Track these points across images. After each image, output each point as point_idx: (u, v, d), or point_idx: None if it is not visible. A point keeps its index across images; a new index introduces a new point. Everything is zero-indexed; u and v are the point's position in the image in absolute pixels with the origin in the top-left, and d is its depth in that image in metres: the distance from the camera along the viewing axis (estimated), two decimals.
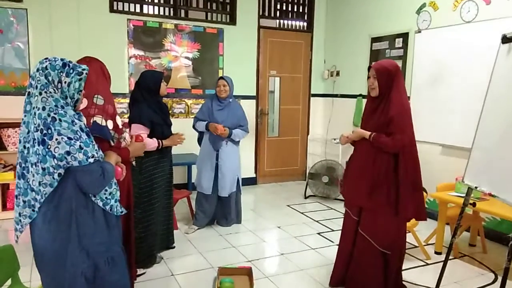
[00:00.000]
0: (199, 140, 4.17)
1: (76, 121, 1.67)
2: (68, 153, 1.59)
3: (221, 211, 4.17)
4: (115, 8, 4.92)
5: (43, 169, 1.60)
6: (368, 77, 2.66)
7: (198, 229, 4.05)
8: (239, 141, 4.13)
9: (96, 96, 2.13)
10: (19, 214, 1.71)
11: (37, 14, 4.51)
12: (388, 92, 2.59)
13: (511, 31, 2.48)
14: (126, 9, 5.01)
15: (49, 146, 1.59)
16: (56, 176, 1.60)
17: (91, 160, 1.66)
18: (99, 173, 1.69)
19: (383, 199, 2.60)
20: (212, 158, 3.99)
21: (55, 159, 1.59)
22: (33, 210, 1.68)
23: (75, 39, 4.66)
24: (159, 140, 3.13)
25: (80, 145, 1.63)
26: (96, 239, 1.76)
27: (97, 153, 1.70)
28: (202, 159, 4.08)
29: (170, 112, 5.25)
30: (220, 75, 5.51)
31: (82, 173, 1.65)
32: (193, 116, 5.41)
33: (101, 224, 1.78)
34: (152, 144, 3.04)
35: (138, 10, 5.10)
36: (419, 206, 2.64)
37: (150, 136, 3.06)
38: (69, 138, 1.61)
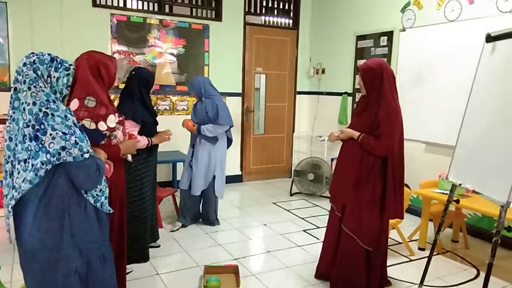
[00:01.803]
0: None
1: (69, 116, 1.64)
2: (63, 148, 1.56)
3: (204, 210, 4.14)
4: (98, 2, 4.81)
5: (33, 165, 1.56)
6: None
7: (183, 226, 4.02)
8: (216, 139, 3.94)
9: (87, 98, 2.10)
10: None
11: (17, 7, 4.38)
12: (377, 92, 2.59)
13: (495, 30, 2.52)
14: (109, 3, 4.91)
15: (43, 142, 1.55)
16: (41, 172, 1.56)
17: (86, 155, 1.63)
18: (94, 169, 1.67)
19: (368, 197, 2.62)
20: (189, 155, 4.04)
21: (48, 154, 1.55)
22: (8, 211, 1.63)
23: (57, 34, 4.55)
24: (149, 138, 3.10)
25: (75, 140, 1.60)
26: (89, 237, 1.74)
27: (91, 149, 1.67)
28: (187, 155, 4.14)
29: (155, 109, 5.19)
30: (206, 71, 5.49)
31: (77, 169, 1.62)
32: (178, 113, 5.39)
33: (93, 221, 1.76)
34: (143, 141, 3.02)
35: (121, 4, 5.00)
36: (400, 206, 2.69)
37: (139, 133, 3.03)
38: (64, 133, 1.57)
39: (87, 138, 1.68)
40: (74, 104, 2.09)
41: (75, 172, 1.62)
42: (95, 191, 1.77)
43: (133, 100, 3.04)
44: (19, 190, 1.59)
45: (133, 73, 3.16)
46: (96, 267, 1.78)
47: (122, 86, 3.43)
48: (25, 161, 1.58)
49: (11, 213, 1.64)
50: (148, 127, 3.11)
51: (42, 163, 1.55)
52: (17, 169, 1.60)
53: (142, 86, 3.08)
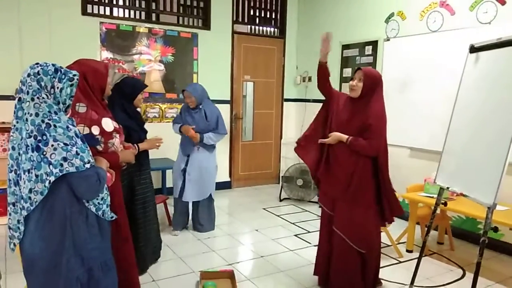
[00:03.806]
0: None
1: (71, 126, 1.67)
2: (65, 159, 1.59)
3: (195, 216, 4.18)
4: (87, 11, 4.82)
5: (36, 176, 1.58)
6: (352, 79, 2.76)
7: (177, 230, 4.09)
8: (214, 146, 4.12)
9: (78, 104, 2.12)
10: (18, 221, 1.68)
11: (5, 17, 4.35)
12: (369, 98, 2.69)
13: (475, 40, 2.67)
14: (99, 12, 4.92)
15: (44, 153, 1.57)
16: (47, 183, 1.59)
17: (88, 165, 1.66)
18: (95, 179, 1.69)
19: (363, 200, 2.71)
20: (182, 163, 4.03)
21: (50, 166, 1.58)
22: (21, 221, 1.66)
23: (46, 43, 4.53)
24: (136, 144, 3.07)
25: (76, 151, 1.62)
26: (90, 245, 1.77)
27: (92, 159, 1.70)
28: (176, 163, 4.14)
29: (144, 116, 5.20)
30: (195, 79, 5.53)
31: (78, 179, 1.64)
32: (167, 120, 5.41)
33: (94, 229, 1.79)
34: None
35: (111, 13, 5.02)
36: (395, 203, 2.80)
37: (125, 142, 3.01)
38: (65, 144, 1.60)
39: (88, 149, 1.71)
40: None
41: (76, 183, 1.65)
42: (97, 199, 1.80)
43: (114, 109, 3.02)
44: (30, 202, 1.62)
45: (119, 81, 3.17)
46: (97, 275, 1.81)
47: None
48: (28, 171, 1.60)
49: (23, 223, 1.66)
50: (134, 135, 3.06)
51: (47, 174, 1.58)
52: (23, 179, 1.62)
53: (121, 96, 3.05)
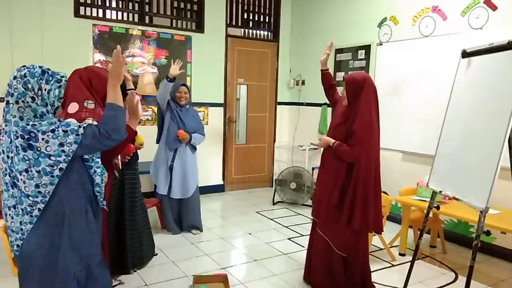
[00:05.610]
0: (161, 125, 4.08)
1: (52, 115, 1.68)
2: (61, 144, 1.59)
3: (191, 214, 4.16)
4: (80, 13, 4.79)
5: (38, 171, 1.59)
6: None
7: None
8: (196, 148, 4.14)
9: (86, 101, 2.12)
10: (20, 222, 1.67)
11: None
12: (355, 103, 2.71)
13: (467, 45, 2.69)
14: (92, 14, 4.89)
15: (39, 149, 1.58)
16: (57, 172, 1.60)
17: (81, 130, 1.63)
18: (96, 132, 1.65)
19: (337, 203, 2.74)
20: (168, 159, 4.02)
21: (51, 157, 1.58)
22: (31, 216, 1.65)
23: (38, 45, 4.49)
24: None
25: (63, 130, 1.61)
26: (89, 241, 1.76)
27: (81, 124, 1.68)
28: (158, 159, 4.08)
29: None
30: (188, 82, 5.51)
31: (85, 146, 1.63)
32: None
33: (93, 226, 1.78)
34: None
35: (104, 15, 4.99)
36: (375, 217, 2.74)
37: None
38: (52, 131, 1.60)
39: (70, 121, 1.70)
40: (74, 107, 2.08)
41: (87, 148, 1.64)
42: (98, 188, 1.80)
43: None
44: (42, 194, 1.62)
45: None
46: (96, 273, 1.80)
47: None
48: (26, 170, 1.59)
49: (38, 217, 1.65)
50: None
51: (51, 166, 1.59)
52: (21, 179, 1.61)
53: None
